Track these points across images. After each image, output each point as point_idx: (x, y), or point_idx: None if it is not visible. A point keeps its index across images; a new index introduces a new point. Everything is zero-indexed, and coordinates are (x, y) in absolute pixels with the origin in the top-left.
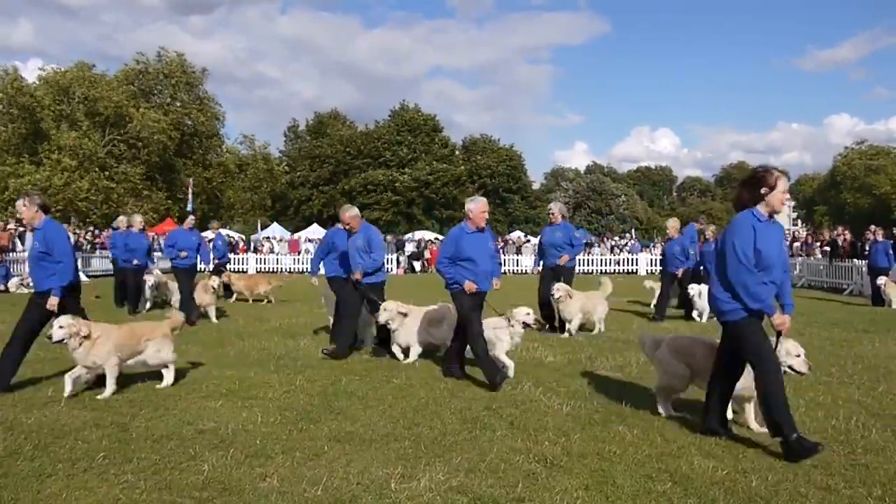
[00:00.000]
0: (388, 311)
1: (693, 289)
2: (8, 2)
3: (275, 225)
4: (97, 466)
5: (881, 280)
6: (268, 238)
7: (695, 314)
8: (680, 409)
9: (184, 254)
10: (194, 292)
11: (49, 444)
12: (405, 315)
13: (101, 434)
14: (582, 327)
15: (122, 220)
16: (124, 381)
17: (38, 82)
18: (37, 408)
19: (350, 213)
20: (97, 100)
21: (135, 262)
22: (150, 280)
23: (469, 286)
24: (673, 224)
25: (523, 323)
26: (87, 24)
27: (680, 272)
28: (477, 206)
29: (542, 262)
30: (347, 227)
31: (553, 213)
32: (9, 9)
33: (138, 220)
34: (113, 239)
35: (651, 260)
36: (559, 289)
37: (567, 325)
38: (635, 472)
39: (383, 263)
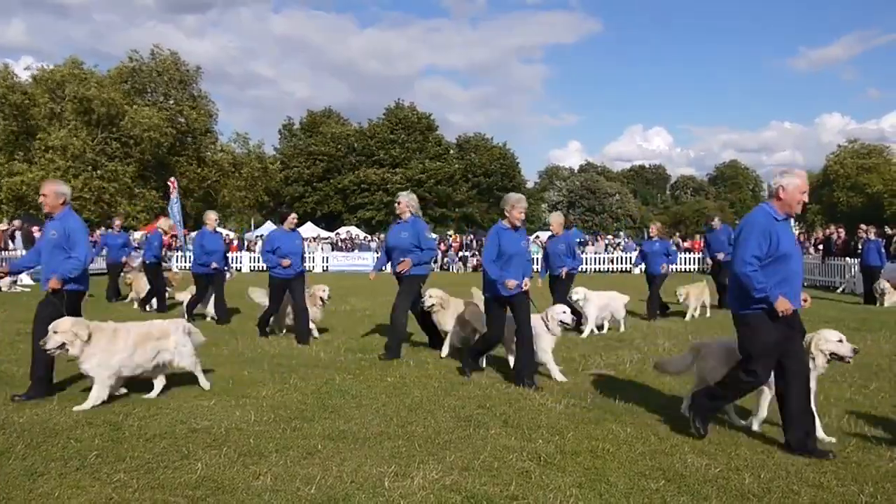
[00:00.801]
0: (63, 332)
1: (577, 293)
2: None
3: (268, 223)
4: (89, 465)
5: (884, 285)
6: (260, 236)
7: (589, 328)
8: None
9: (286, 262)
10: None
11: (41, 443)
12: (88, 338)
13: (94, 433)
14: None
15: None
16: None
17: (29, 80)
18: (29, 406)
19: (52, 187)
20: (89, 98)
21: (213, 265)
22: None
23: (783, 304)
24: (556, 220)
25: (830, 354)
26: (80, 23)
27: (563, 272)
28: (794, 183)
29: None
30: (44, 205)
31: (399, 204)
32: (0, 7)
33: (213, 217)
34: (150, 239)
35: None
36: (432, 296)
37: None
38: (628, 469)
39: (86, 266)
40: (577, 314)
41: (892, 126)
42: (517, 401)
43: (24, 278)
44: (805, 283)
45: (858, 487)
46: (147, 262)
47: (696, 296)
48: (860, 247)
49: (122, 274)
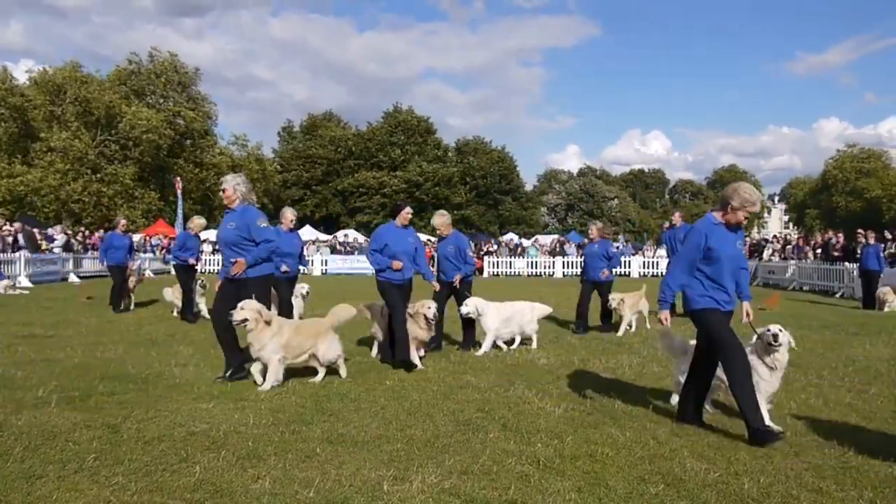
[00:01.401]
0: None
1: (468, 305)
2: None
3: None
4: (88, 468)
5: (884, 289)
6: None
7: (487, 345)
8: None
9: (398, 264)
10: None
11: (39, 446)
12: None
13: (92, 435)
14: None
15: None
16: (115, 382)
17: (28, 83)
18: (27, 409)
19: None
20: (89, 100)
21: (283, 268)
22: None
23: None
24: (440, 220)
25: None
26: (79, 26)
27: (457, 280)
28: None
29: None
30: None
31: (224, 192)
32: None
33: (290, 216)
34: (181, 240)
35: (644, 262)
36: (244, 308)
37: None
38: (628, 474)
39: None
40: (471, 328)
41: (889, 131)
42: (516, 405)
43: (23, 281)
44: (804, 288)
45: (858, 493)
46: (175, 264)
47: (631, 305)
48: (859, 251)
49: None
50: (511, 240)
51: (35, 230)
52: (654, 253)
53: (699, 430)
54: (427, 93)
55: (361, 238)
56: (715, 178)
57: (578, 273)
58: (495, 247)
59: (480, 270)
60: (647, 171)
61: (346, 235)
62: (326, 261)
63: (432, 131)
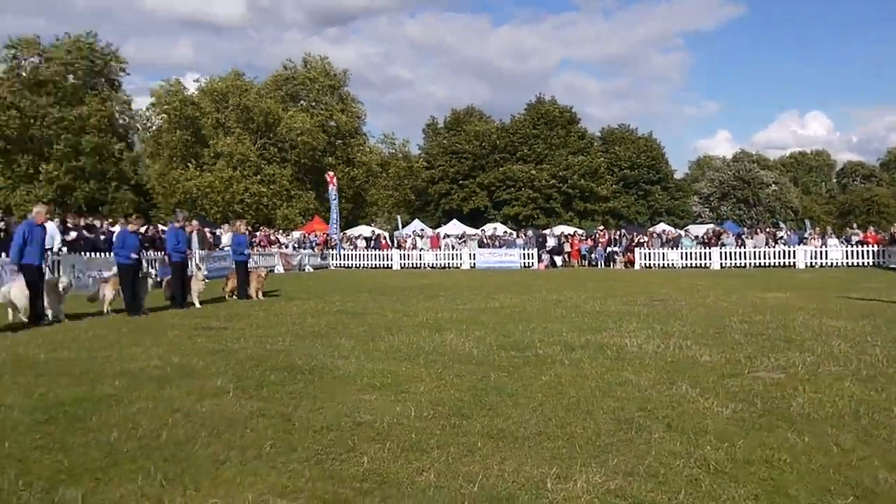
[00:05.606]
0: None
1: None
2: (167, 25)
3: (416, 221)
4: (265, 455)
5: None
6: (409, 234)
7: None
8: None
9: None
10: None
11: (222, 432)
12: None
13: (267, 424)
14: None
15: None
16: (284, 372)
17: (196, 93)
18: (208, 397)
19: None
20: (248, 108)
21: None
22: None
23: None
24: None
25: None
26: (236, 40)
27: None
28: None
29: None
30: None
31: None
32: (168, 30)
33: (37, 209)
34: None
35: (811, 252)
36: None
37: None
38: (809, 483)
39: None
40: None
41: None
42: (679, 404)
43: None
44: None
45: None
46: None
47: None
48: None
49: None
50: (664, 231)
51: (206, 230)
52: (821, 242)
53: (891, 436)
54: (564, 84)
55: (509, 231)
56: (889, 158)
57: (738, 265)
58: (647, 239)
59: (632, 262)
60: (809, 153)
61: (494, 229)
62: (474, 255)
63: (575, 121)
